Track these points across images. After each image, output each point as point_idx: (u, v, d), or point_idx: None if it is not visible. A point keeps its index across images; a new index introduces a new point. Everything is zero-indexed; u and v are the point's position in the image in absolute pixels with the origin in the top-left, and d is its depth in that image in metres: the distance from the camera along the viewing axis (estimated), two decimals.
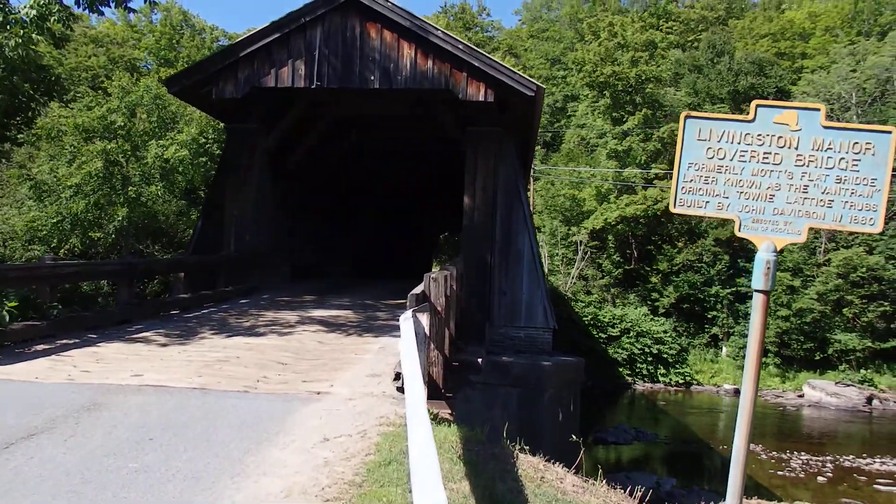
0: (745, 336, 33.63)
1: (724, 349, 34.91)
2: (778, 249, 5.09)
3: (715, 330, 35.48)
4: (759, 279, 5.06)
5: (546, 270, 36.93)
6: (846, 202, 5.02)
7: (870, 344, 33.09)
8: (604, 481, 7.50)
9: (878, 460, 21.37)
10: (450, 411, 7.13)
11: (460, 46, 14.33)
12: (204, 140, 25.00)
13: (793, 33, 55.89)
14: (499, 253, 15.63)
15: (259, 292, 15.93)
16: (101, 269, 13.20)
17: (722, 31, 52.91)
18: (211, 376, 7.36)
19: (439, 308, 7.86)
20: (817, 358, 33.13)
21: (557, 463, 7.36)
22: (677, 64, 47.17)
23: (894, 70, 41.64)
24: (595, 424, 23.56)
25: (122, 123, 22.70)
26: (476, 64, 14.21)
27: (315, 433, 5.63)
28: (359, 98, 16.45)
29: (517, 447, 7.04)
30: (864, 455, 21.87)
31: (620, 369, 31.84)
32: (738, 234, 5.19)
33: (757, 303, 5.11)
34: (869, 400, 30.36)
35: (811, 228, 5.14)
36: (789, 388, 31.63)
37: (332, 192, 24.25)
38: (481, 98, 14.42)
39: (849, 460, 21.29)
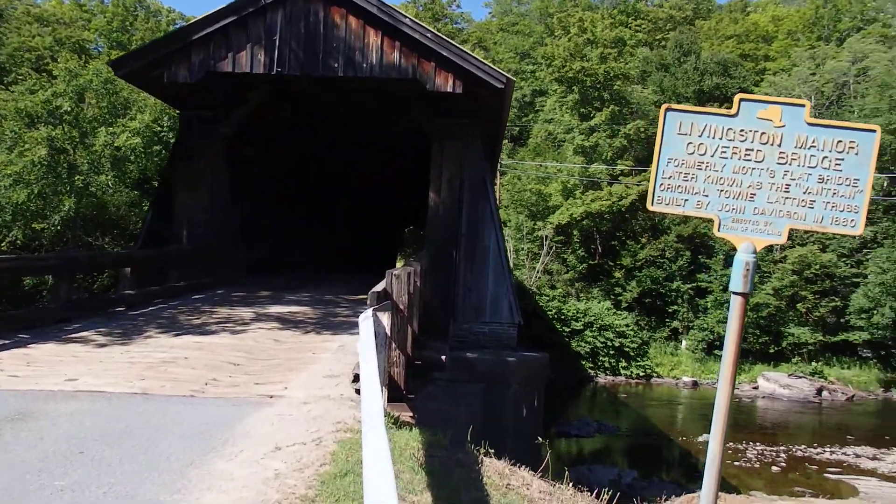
0: (704, 329, 34.28)
1: (684, 342, 35.28)
2: (757, 251, 4.86)
3: (675, 324, 35.89)
4: (737, 281, 4.81)
5: (512, 265, 36.84)
6: (828, 203, 4.79)
7: (821, 337, 33.95)
8: (570, 484, 7.26)
9: (827, 450, 21.79)
10: (411, 414, 6.82)
11: (429, 35, 13.91)
12: (159, 128, 23.98)
13: (757, 36, 56.48)
14: (464, 248, 15.33)
15: (213, 288, 15.36)
16: (38, 264, 12.44)
17: (689, 31, 53.17)
18: (155, 379, 6.87)
19: (401, 306, 7.56)
20: (772, 351, 33.74)
21: (523, 466, 7.09)
22: (645, 62, 47.27)
23: (851, 75, 42.43)
24: (558, 417, 23.58)
25: (69, 108, 21.33)
26: (445, 54, 13.80)
27: (266, 441, 5.26)
28: (323, 86, 15.96)
29: (482, 451, 6.75)
30: (815, 445, 22.32)
31: (583, 362, 32.05)
32: (718, 235, 4.94)
33: (735, 305, 4.86)
34: (819, 391, 31.08)
35: (792, 229, 4.92)
36: (745, 380, 32.10)
37: (294, 183, 23.72)
38: (450, 89, 14.01)
39: (800, 450, 21.66)
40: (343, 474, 4.60)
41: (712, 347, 34.10)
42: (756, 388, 31.21)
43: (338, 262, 27.36)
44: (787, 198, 4.81)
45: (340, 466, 4.74)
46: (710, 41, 53.61)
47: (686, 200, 4.89)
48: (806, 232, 31.54)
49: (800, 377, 31.87)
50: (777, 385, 31.07)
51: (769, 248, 34.95)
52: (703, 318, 34.85)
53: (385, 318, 6.41)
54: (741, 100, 4.87)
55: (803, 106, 4.85)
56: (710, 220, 4.94)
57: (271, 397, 6.45)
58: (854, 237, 29.62)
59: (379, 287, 7.23)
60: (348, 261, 28.49)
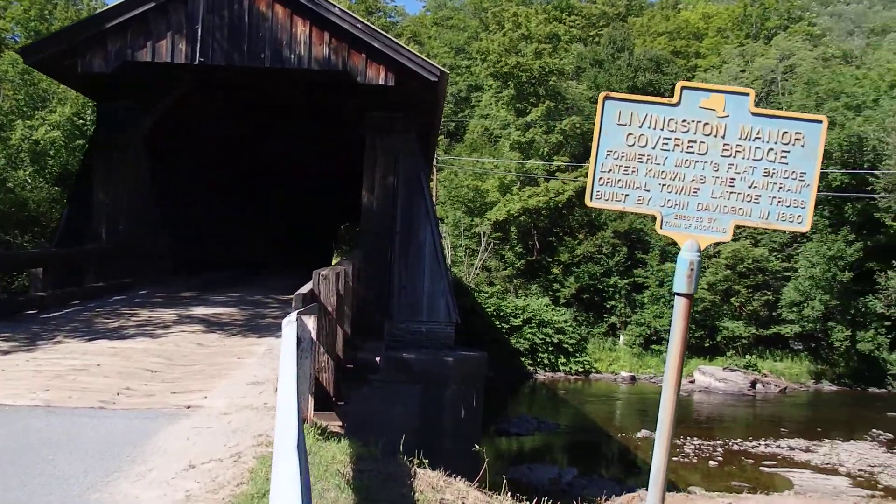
0: (642, 325, 34.61)
1: (622, 338, 35.57)
2: (701, 249, 4.61)
3: (613, 319, 36.15)
4: (681, 281, 4.55)
5: (449, 262, 36.57)
6: (774, 198, 4.57)
7: (754, 331, 34.48)
8: (509, 494, 6.96)
9: (762, 443, 22.08)
10: (340, 423, 6.43)
11: (359, 26, 13.46)
12: (81, 121, 22.93)
13: (688, 33, 57.43)
14: (399, 245, 14.98)
15: (135, 288, 14.58)
16: None
17: (622, 27, 53.73)
18: (61, 390, 6.31)
19: (330, 308, 7.16)
20: (707, 345, 34.21)
21: (459, 476, 6.75)
22: (579, 58, 47.57)
23: (779, 72, 43.48)
24: (498, 415, 23.39)
25: None
26: (376, 45, 13.38)
27: (179, 458, 4.81)
28: (250, 78, 15.36)
29: (415, 462, 6.38)
30: (750, 438, 22.57)
31: (522, 359, 31.98)
32: (661, 232, 4.66)
33: (679, 307, 4.60)
34: (753, 384, 31.63)
35: (737, 226, 4.69)
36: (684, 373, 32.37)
37: (225, 176, 22.97)
38: (381, 82, 13.59)
39: (736, 444, 21.92)
40: (261, 495, 4.20)
41: (650, 342, 34.42)
42: (692, 381, 31.63)
43: (272, 258, 26.63)
44: (731, 192, 4.57)
45: (259, 486, 4.33)
46: (642, 38, 54.31)
47: (627, 196, 4.61)
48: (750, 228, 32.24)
49: (734, 370, 32.35)
50: (713, 379, 31.50)
51: None
52: (641, 313, 35.17)
53: (311, 322, 6.00)
54: (683, 88, 4.61)
55: (747, 95, 4.61)
56: (652, 217, 4.69)
57: (189, 407, 5.99)
58: (784, 231, 30.28)
59: (305, 289, 6.82)
60: (283, 256, 27.79)
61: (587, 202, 4.65)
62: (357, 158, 15.75)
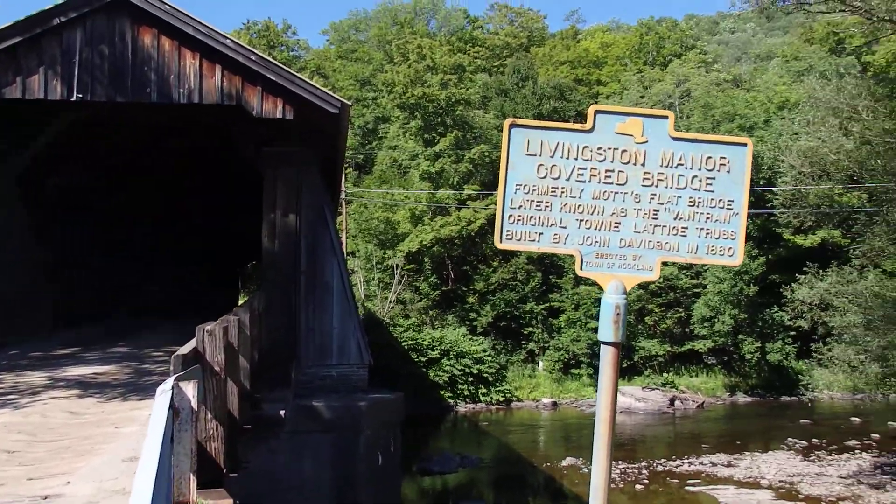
0: (560, 349, 34.49)
1: (541, 364, 35.38)
2: (627, 290, 4.11)
3: (531, 345, 35.93)
4: (607, 328, 4.03)
5: (363, 296, 35.80)
6: (702, 229, 4.11)
7: (669, 348, 34.92)
8: None
9: (685, 461, 22.09)
10: (231, 502, 5.65)
11: (253, 58, 12.75)
12: None
13: (588, 61, 58.69)
14: (305, 284, 14.24)
15: (4, 348, 13.22)
16: None
17: (525, 57, 54.43)
18: None
19: (217, 367, 6.38)
20: (625, 365, 34.33)
21: None
22: (485, 87, 47.83)
23: (676, 97, 44.79)
24: (420, 453, 22.66)
25: None
26: (272, 77, 12.70)
27: None
28: (137, 114, 14.44)
29: None
30: (673, 457, 22.57)
31: (442, 392, 31.33)
32: (581, 273, 4.13)
33: (606, 357, 4.07)
34: (672, 401, 31.91)
35: (665, 263, 4.21)
36: None
37: (114, 222, 21.62)
38: (279, 115, 12.88)
39: (660, 464, 21.82)
40: None
41: (568, 367, 34.35)
42: None
43: (171, 304, 25.10)
44: (656, 226, 4.09)
45: None
46: (545, 67, 55.12)
47: (541, 234, 4.06)
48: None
49: (653, 389, 32.63)
50: (633, 399, 31.58)
51: None
52: (558, 337, 35.11)
53: (190, 389, 5.24)
54: (597, 112, 4.12)
55: (667, 118, 4.15)
56: (570, 257, 4.17)
57: (45, 498, 5.09)
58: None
59: (186, 348, 6.04)
60: (184, 303, 26.28)
61: (497, 244, 4.09)
62: (259, 195, 15.00)
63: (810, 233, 33.05)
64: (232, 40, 12.87)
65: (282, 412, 9.79)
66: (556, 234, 4.07)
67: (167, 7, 12.48)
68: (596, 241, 4.08)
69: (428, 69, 38.42)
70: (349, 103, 13.93)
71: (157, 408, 4.68)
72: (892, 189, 15.10)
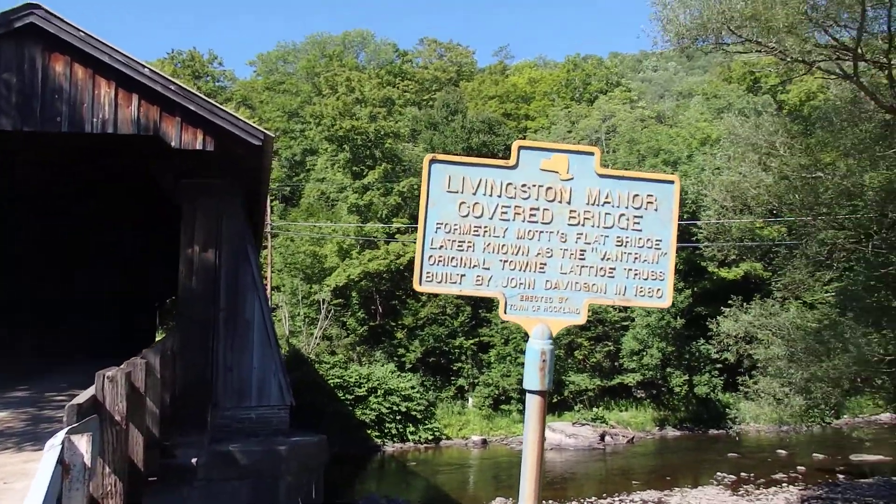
0: (490, 385, 34.20)
1: (471, 400, 34.96)
2: (553, 335, 3.89)
3: (461, 381, 35.48)
4: (533, 376, 3.79)
5: (287, 333, 34.98)
6: (630, 270, 3.94)
7: (599, 382, 34.87)
8: None
9: (616, 499, 21.89)
10: None
11: (172, 87, 12.30)
12: None
13: (516, 96, 59.50)
14: (224, 322, 13.68)
15: None
16: None
17: (454, 91, 54.86)
18: None
19: (119, 417, 5.92)
20: (555, 400, 34.25)
21: None
22: (414, 121, 47.94)
23: (603, 132, 45.69)
24: (344, 497, 21.91)
25: None
26: (191, 108, 12.25)
27: None
28: (50, 144, 13.77)
29: None
30: (604, 494, 22.33)
31: (369, 431, 30.52)
32: (505, 317, 3.89)
33: (532, 406, 3.83)
34: (602, 437, 31.73)
35: (592, 305, 4.01)
36: None
37: (24, 256, 20.60)
38: (199, 147, 12.42)
39: (591, 502, 21.58)
40: None
41: (498, 403, 34.03)
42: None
43: (84, 341, 23.93)
44: (583, 266, 3.89)
45: None
46: (474, 101, 55.65)
47: (463, 276, 3.82)
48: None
49: (583, 424, 32.47)
50: (563, 435, 31.42)
51: None
52: (488, 373, 34.78)
53: (83, 444, 4.78)
54: (521, 147, 3.92)
55: (592, 154, 3.98)
56: (494, 300, 3.93)
57: None
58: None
59: (83, 397, 5.57)
60: (101, 339, 25.10)
61: (416, 286, 3.83)
62: (177, 229, 14.43)
63: (734, 266, 33.76)
64: (150, 69, 12.40)
65: (194, 459, 9.27)
66: (478, 276, 3.83)
67: (81, 34, 11.98)
68: (520, 283, 3.86)
69: (357, 102, 38.26)
70: (272, 135, 13.55)
71: (44, 465, 4.24)
72: (810, 223, 15.48)
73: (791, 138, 14.67)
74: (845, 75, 12.85)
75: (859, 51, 11.93)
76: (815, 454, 26.50)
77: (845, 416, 31.37)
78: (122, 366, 6.64)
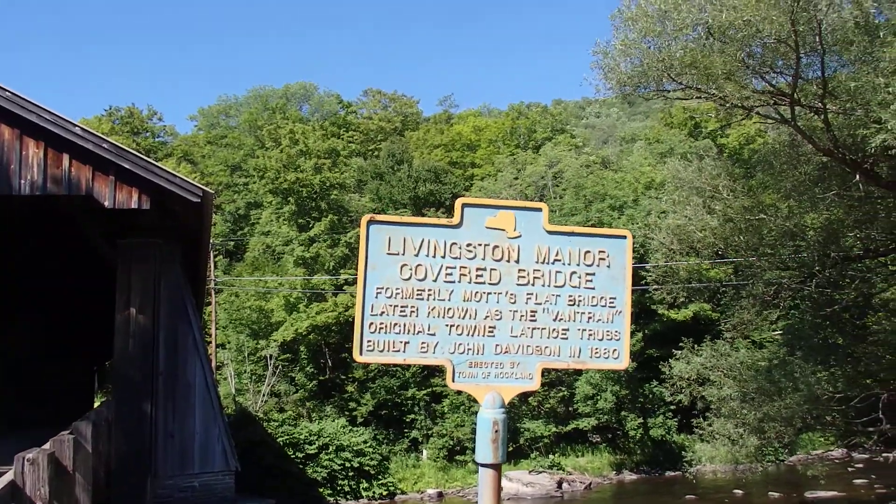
0: (444, 436, 33.62)
1: (425, 452, 34.34)
2: (506, 403, 3.64)
3: (415, 433, 34.90)
4: (485, 449, 3.52)
5: (233, 391, 34.04)
6: (584, 331, 3.73)
7: (554, 429, 34.55)
8: None
9: None
10: None
11: (105, 146, 11.92)
12: None
13: (462, 145, 59.91)
14: (164, 386, 13.17)
15: None
16: None
17: (399, 141, 55.07)
18: None
19: (40, 503, 5.45)
20: (511, 449, 33.79)
21: None
22: (360, 171, 47.88)
23: (549, 178, 46.17)
24: None
25: None
26: (126, 166, 11.87)
27: None
28: None
29: None
30: None
31: (321, 489, 29.61)
32: (453, 386, 3.63)
33: (486, 480, 3.55)
34: (559, 484, 31.32)
35: (546, 370, 3.78)
36: None
37: None
38: (134, 206, 12.03)
39: None
40: None
41: (453, 454, 33.49)
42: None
43: (13, 411, 22.61)
44: (534, 329, 3.67)
45: None
46: (419, 150, 55.89)
47: (407, 344, 3.55)
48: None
49: (540, 472, 32.04)
50: (520, 484, 30.95)
51: None
52: (442, 423, 34.28)
53: None
54: (464, 205, 3.70)
55: (540, 210, 3.78)
56: (441, 368, 3.67)
57: None
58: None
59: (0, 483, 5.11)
60: (32, 409, 23.81)
61: (357, 357, 3.54)
62: (110, 291, 13.91)
63: (683, 307, 34.00)
64: (81, 128, 12.02)
65: None
66: (423, 343, 3.57)
67: (7, 94, 11.61)
68: (469, 349, 3.61)
69: (301, 154, 38.07)
70: (212, 191, 13.24)
71: None
72: (755, 263, 15.70)
73: (733, 181, 14.93)
74: (783, 120, 13.13)
75: (795, 96, 12.21)
76: (770, 492, 26.55)
77: (798, 454, 31.51)
78: (46, 444, 6.18)
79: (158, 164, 12.87)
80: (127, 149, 12.47)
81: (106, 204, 11.93)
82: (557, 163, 47.68)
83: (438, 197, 44.31)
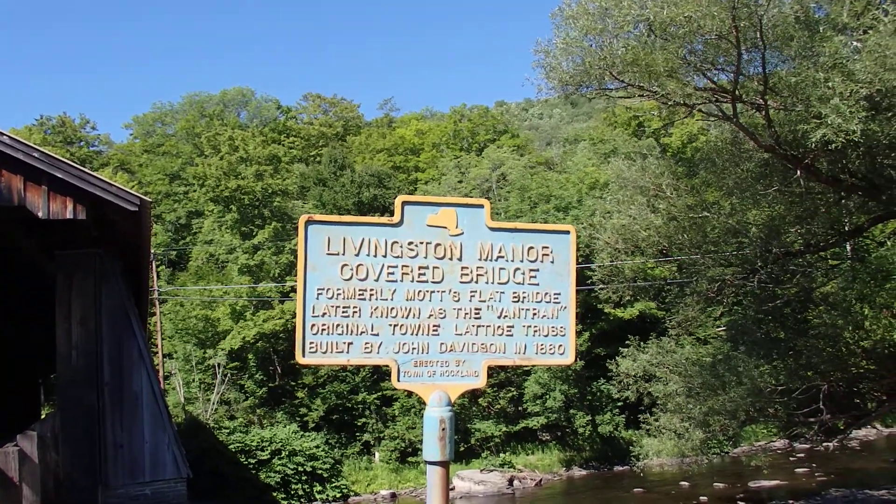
0: (395, 438, 33.61)
1: (377, 454, 34.41)
2: (452, 401, 3.63)
3: (366, 436, 34.95)
4: (432, 447, 3.52)
5: (182, 400, 33.58)
6: (529, 327, 3.75)
7: (504, 428, 34.82)
8: None
9: None
10: None
11: (36, 155, 11.54)
12: None
13: (405, 148, 59.75)
14: (110, 397, 12.93)
15: None
16: None
17: (341, 146, 54.69)
18: None
19: None
20: (462, 449, 33.97)
21: None
22: (302, 177, 47.45)
23: (493, 180, 46.39)
24: None
25: None
26: (59, 175, 11.50)
27: None
28: None
29: None
30: None
31: (275, 494, 29.45)
32: (399, 386, 3.62)
33: (434, 478, 3.55)
34: (511, 482, 31.61)
35: (492, 367, 3.78)
36: None
37: None
38: (69, 216, 11.66)
39: None
40: None
41: (405, 455, 33.56)
42: (453, 489, 31.00)
43: None
44: (479, 326, 3.67)
45: None
46: (362, 155, 55.57)
47: (350, 345, 3.53)
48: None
49: (491, 471, 32.27)
50: (472, 483, 31.09)
51: None
52: (393, 426, 34.35)
53: None
54: (404, 203, 3.69)
55: (482, 207, 3.79)
56: (386, 368, 3.64)
57: None
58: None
59: None
60: None
61: (299, 359, 3.51)
62: (51, 303, 13.60)
63: (629, 306, 34.43)
64: (10, 136, 11.63)
65: None
66: (367, 343, 3.56)
67: None
68: (413, 348, 3.61)
69: (241, 161, 37.59)
70: (149, 200, 12.99)
71: None
72: (699, 261, 15.88)
73: (677, 180, 15.08)
74: (725, 117, 13.22)
75: (737, 93, 12.28)
76: (716, 483, 27.06)
77: (742, 445, 32.15)
78: None
79: (94, 173, 12.58)
80: (59, 158, 12.14)
81: (40, 215, 11.56)
82: (501, 165, 47.89)
83: (383, 202, 44.14)
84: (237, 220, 37.58)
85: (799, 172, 12.77)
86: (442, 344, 3.63)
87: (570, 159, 52.41)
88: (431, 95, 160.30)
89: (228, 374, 34.70)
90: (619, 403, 34.15)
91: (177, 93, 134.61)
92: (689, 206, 14.53)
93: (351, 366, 3.97)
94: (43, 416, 24.79)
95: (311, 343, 3.49)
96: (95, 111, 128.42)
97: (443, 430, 3.51)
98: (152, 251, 20.55)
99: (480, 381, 3.70)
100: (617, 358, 20.60)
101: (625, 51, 11.68)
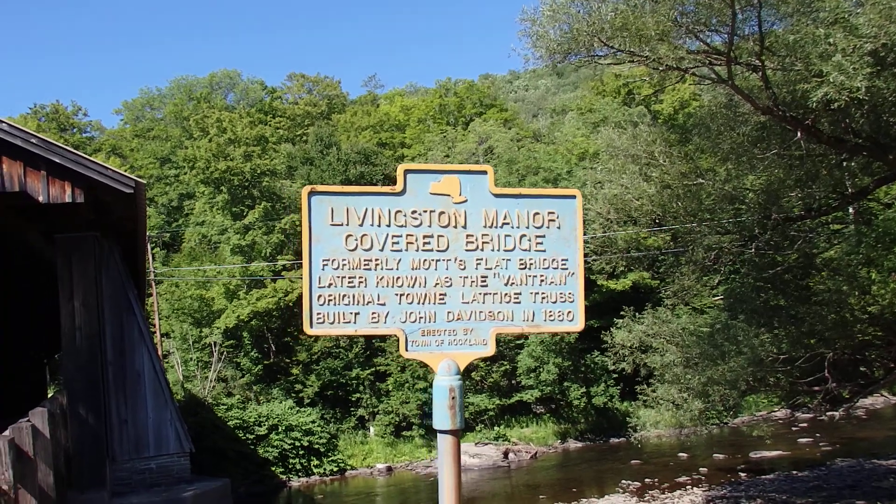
0: (390, 413, 33.84)
1: (372, 429, 34.64)
2: (462, 370, 3.63)
3: (361, 411, 35.13)
4: (443, 416, 3.53)
5: (181, 378, 33.79)
6: (537, 294, 3.73)
7: (498, 401, 34.87)
8: None
9: None
10: None
11: (34, 141, 11.67)
12: None
13: (390, 125, 59.35)
14: (113, 375, 13.42)
15: None
16: None
17: (326, 125, 54.33)
18: None
19: (6, 486, 5.52)
20: None
21: None
22: (289, 157, 47.25)
23: (480, 154, 46.24)
24: None
25: None
26: (57, 160, 11.66)
27: None
28: None
29: None
30: None
31: (273, 468, 29.73)
32: (407, 355, 3.62)
33: (445, 447, 3.57)
34: (505, 454, 31.78)
35: (500, 334, 3.77)
36: (436, 456, 31.84)
37: None
38: (68, 200, 11.82)
39: None
40: None
41: (400, 429, 33.76)
42: None
43: None
44: (486, 294, 3.66)
45: None
46: (347, 133, 55.19)
47: (357, 315, 3.53)
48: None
49: (486, 444, 32.45)
50: (467, 456, 31.24)
51: None
52: (387, 401, 34.54)
53: None
54: (406, 171, 3.67)
55: (485, 173, 3.77)
56: (394, 338, 3.64)
57: None
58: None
59: None
60: None
61: (307, 330, 3.51)
62: (54, 286, 13.80)
63: (622, 277, 34.43)
64: (8, 124, 11.75)
65: None
66: (374, 313, 3.55)
67: None
68: (420, 317, 3.60)
69: (230, 142, 37.53)
70: (144, 182, 13.04)
71: None
72: (695, 229, 15.62)
73: (669, 147, 14.85)
74: (719, 80, 12.77)
75: (732, 54, 11.87)
76: (715, 454, 27.23)
77: (743, 416, 32.28)
78: (5, 432, 6.13)
79: (89, 157, 12.65)
80: (57, 143, 12.30)
81: (40, 199, 11.74)
82: (488, 138, 47.68)
83: (370, 179, 43.97)
84: (228, 201, 37.61)
85: (799, 134, 12.26)
86: (449, 312, 3.62)
87: (557, 130, 52.14)
88: (415, 71, 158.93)
89: (224, 353, 34.92)
90: (615, 375, 34.26)
91: (163, 77, 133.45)
92: (683, 174, 14.28)
93: (359, 336, 3.97)
94: (49, 395, 24.95)
95: (318, 314, 3.48)
96: (85, 97, 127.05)
97: (452, 398, 3.52)
98: (147, 233, 20.54)
99: (490, 349, 3.71)
100: (611, 329, 20.56)
101: (614, 15, 11.38)
